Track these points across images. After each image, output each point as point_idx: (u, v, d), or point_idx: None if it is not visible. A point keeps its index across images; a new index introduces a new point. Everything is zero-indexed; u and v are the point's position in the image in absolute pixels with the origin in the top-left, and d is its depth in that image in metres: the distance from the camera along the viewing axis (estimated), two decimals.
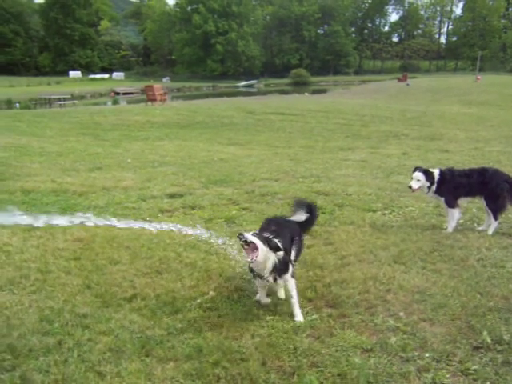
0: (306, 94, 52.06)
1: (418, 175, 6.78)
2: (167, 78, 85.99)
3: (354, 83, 77.64)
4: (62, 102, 36.46)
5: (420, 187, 6.85)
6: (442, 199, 6.97)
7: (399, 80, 66.45)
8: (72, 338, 4.14)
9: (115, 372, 3.68)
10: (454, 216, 6.88)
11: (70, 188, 9.46)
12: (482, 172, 6.88)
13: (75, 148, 14.86)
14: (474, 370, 3.71)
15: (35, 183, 9.74)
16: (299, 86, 74.96)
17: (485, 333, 4.15)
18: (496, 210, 6.78)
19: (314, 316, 4.54)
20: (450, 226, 6.90)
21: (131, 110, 27.57)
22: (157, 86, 35.12)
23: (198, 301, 4.81)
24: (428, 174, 6.79)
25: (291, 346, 4.03)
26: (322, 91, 59.56)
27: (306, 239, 6.61)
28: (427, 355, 3.91)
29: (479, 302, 4.74)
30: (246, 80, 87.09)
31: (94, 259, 5.92)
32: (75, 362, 3.79)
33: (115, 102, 44.16)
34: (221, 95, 51.66)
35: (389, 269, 5.57)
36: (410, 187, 6.86)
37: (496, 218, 6.82)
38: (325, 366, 3.77)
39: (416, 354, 3.93)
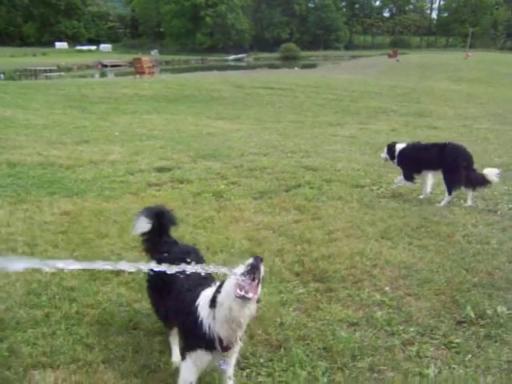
0: (296, 68, 51.67)
1: (385, 149, 7.87)
2: (155, 50, 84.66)
3: (344, 58, 77.11)
4: (48, 74, 35.85)
5: (386, 158, 7.84)
6: (402, 172, 7.62)
7: (389, 56, 65.99)
8: (60, 311, 4.14)
9: (103, 344, 3.70)
10: (405, 183, 7.67)
11: (57, 161, 9.35)
12: (442, 147, 7.26)
13: (62, 121, 14.66)
14: (457, 343, 3.78)
15: (21, 156, 9.61)
16: (289, 60, 74.33)
17: (468, 307, 4.22)
18: (451, 184, 7.15)
19: (301, 290, 4.57)
20: (395, 183, 7.81)
21: (119, 82, 27.18)
22: (145, 58, 34.56)
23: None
24: (389, 149, 7.72)
25: (278, 320, 4.06)
26: (312, 66, 59.16)
27: (294, 214, 6.65)
28: (412, 329, 3.97)
29: (464, 277, 4.81)
30: (236, 54, 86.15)
31: (82, 233, 5.89)
32: (63, 335, 3.80)
33: (103, 75, 43.46)
34: (210, 69, 51.06)
35: (376, 244, 5.62)
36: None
37: (450, 193, 7.19)
38: (311, 339, 3.81)
39: (401, 328, 3.99)
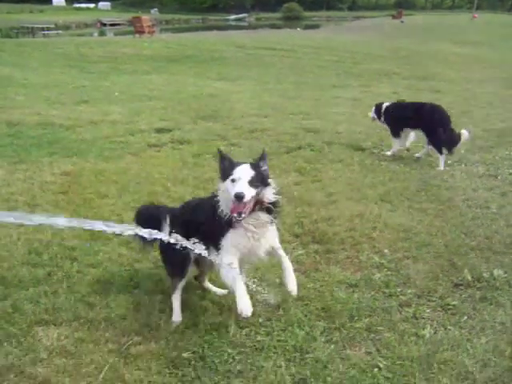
0: (298, 29, 50.74)
1: (373, 109, 8.14)
2: (155, 9, 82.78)
3: (348, 19, 75.70)
4: (46, 32, 35.26)
5: (374, 117, 8.14)
6: (389, 129, 7.95)
7: (394, 17, 64.78)
8: (61, 270, 4.18)
9: (104, 303, 3.74)
10: (395, 144, 7.86)
11: (57, 121, 9.30)
12: (421, 107, 7.55)
13: (61, 80, 14.49)
14: (454, 305, 3.83)
15: (20, 116, 9.55)
16: (291, 20, 72.82)
17: (466, 270, 4.26)
18: (435, 144, 7.35)
19: (301, 252, 4.61)
20: (392, 150, 7.87)
21: (118, 42, 26.77)
22: (145, 17, 33.93)
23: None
24: (377, 108, 8.05)
25: (277, 281, 4.10)
26: (315, 27, 58.13)
27: (295, 176, 6.65)
28: (409, 291, 4.01)
29: (462, 241, 4.84)
30: (237, 13, 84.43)
31: (82, 193, 5.90)
32: (65, 293, 3.84)
33: (102, 34, 42.78)
34: (210, 28, 50.18)
35: (375, 207, 5.63)
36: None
37: (440, 153, 7.29)
38: (310, 299, 3.85)
39: (399, 289, 4.03)
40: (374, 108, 8.16)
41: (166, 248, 3.50)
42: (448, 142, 7.21)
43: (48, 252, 4.46)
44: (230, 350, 3.25)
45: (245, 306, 3.05)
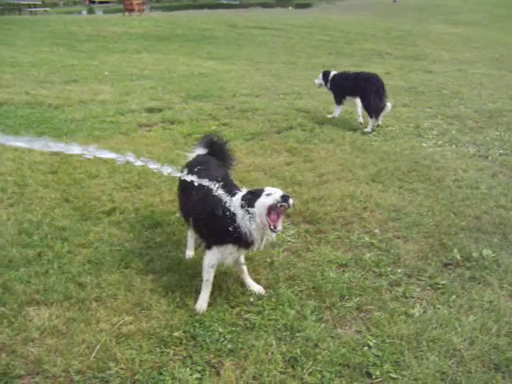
0: (290, 8, 50.17)
1: (320, 75, 8.85)
2: None
3: None
4: (33, 9, 34.42)
5: (320, 84, 8.86)
6: (333, 96, 8.71)
7: None
8: (52, 250, 4.17)
9: (95, 283, 3.74)
10: (337, 109, 8.74)
11: (46, 100, 9.19)
12: (357, 76, 8.28)
13: (49, 59, 14.28)
14: (443, 284, 3.88)
15: (8, 95, 9.42)
16: None
17: (455, 250, 4.30)
18: (367, 109, 8.08)
19: (292, 231, 4.62)
20: (333, 114, 8.77)
21: (108, 20, 26.34)
22: None
23: (177, 215, 4.84)
24: (324, 75, 8.73)
25: (268, 260, 4.12)
26: (307, 6, 57.40)
27: (286, 156, 6.65)
28: (399, 270, 4.05)
29: (452, 221, 4.88)
30: None
31: (72, 173, 5.86)
32: (56, 274, 3.84)
33: (90, 11, 42.09)
34: (201, 7, 49.45)
35: (366, 187, 5.65)
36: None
37: (370, 116, 8.11)
38: (301, 279, 3.88)
39: (389, 269, 4.07)
40: (321, 74, 8.82)
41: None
42: (377, 111, 8.00)
43: (38, 232, 4.45)
44: (221, 329, 3.27)
45: (203, 305, 3.51)
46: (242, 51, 18.14)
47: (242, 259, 3.76)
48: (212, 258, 3.53)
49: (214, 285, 3.74)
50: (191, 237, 4.16)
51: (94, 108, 8.91)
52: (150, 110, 8.90)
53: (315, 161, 6.48)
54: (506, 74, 14.13)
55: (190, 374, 2.91)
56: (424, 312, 3.52)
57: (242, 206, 3.32)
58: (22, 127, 7.53)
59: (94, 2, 53.45)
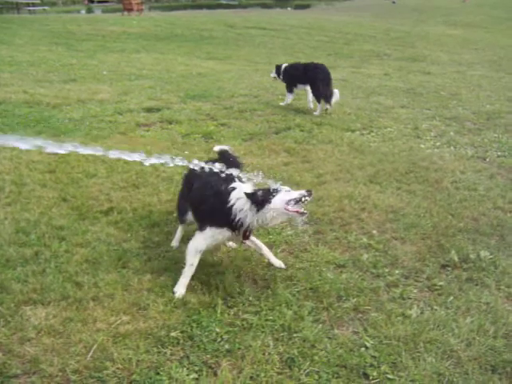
0: (289, 8, 50.18)
1: (274, 69, 9.69)
2: None
3: None
4: (32, 8, 34.30)
5: (274, 77, 9.73)
6: (286, 86, 9.55)
7: None
8: (49, 250, 4.16)
9: (92, 282, 3.74)
10: (289, 97, 9.65)
11: (44, 100, 9.18)
12: (306, 66, 9.10)
13: (48, 58, 14.26)
14: (440, 285, 3.88)
15: (6, 94, 9.40)
16: (281, 0, 72.08)
17: (453, 252, 4.31)
18: (315, 96, 9.03)
19: (289, 232, 4.62)
20: (285, 102, 9.65)
21: (106, 19, 26.33)
22: None
23: (175, 215, 4.83)
24: (277, 68, 9.58)
25: (266, 260, 4.12)
26: (306, 6, 57.47)
27: (284, 156, 6.65)
28: (397, 272, 4.05)
29: (450, 222, 4.88)
30: None
31: (70, 172, 5.86)
32: (53, 273, 3.83)
33: (89, 11, 42.04)
34: (200, 7, 49.48)
35: (364, 188, 5.65)
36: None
37: (318, 102, 9.04)
38: (298, 280, 3.88)
39: (386, 270, 4.07)
40: (275, 68, 9.69)
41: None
42: (325, 97, 8.85)
43: (36, 231, 4.44)
44: (218, 330, 3.27)
45: (181, 290, 3.63)
46: (241, 51, 18.14)
47: (257, 242, 3.96)
48: (201, 242, 3.66)
49: (211, 284, 3.74)
50: (180, 231, 4.34)
51: (92, 107, 8.89)
52: (149, 110, 8.90)
53: (313, 161, 6.48)
54: (504, 76, 14.16)
55: (187, 374, 2.90)
56: (421, 313, 3.52)
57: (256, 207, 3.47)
58: (20, 126, 7.52)
59: (92, 2, 53.36)
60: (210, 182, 3.74)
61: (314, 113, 9.09)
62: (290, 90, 9.56)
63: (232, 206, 3.52)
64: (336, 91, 8.85)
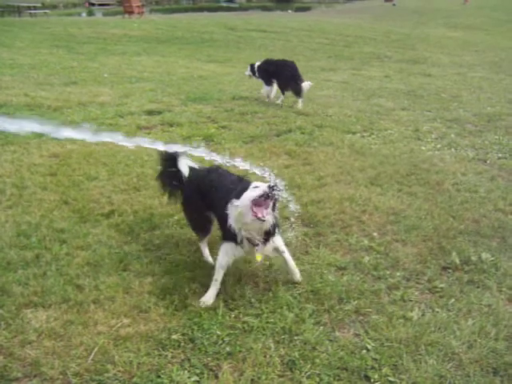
0: (290, 11, 50.26)
1: (248, 68, 10.36)
2: None
3: (339, 1, 74.98)
4: (33, 11, 34.38)
5: (250, 75, 10.33)
6: (263, 81, 10.10)
7: (386, 0, 64.20)
8: (50, 253, 4.16)
9: (93, 285, 3.74)
10: (267, 91, 10.13)
11: (45, 102, 9.19)
12: (276, 63, 9.87)
13: (48, 61, 14.28)
14: (441, 288, 3.87)
15: (7, 96, 9.42)
16: (282, 2, 71.83)
17: (454, 254, 4.30)
18: (281, 88, 9.86)
19: (290, 234, 4.61)
20: (269, 98, 10.18)
21: (107, 22, 26.40)
22: None
23: (176, 217, 4.84)
24: (251, 67, 10.22)
25: (267, 263, 4.12)
26: (306, 9, 57.55)
27: (285, 159, 6.65)
28: (398, 274, 4.04)
29: (451, 224, 4.87)
30: None
31: (71, 175, 5.86)
32: (54, 276, 3.83)
33: (90, 14, 42.12)
34: (201, 10, 49.55)
35: (365, 190, 5.65)
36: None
37: (283, 93, 9.89)
38: (299, 282, 3.87)
39: (387, 272, 4.06)
40: (249, 67, 10.32)
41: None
42: (295, 91, 9.57)
43: (36, 234, 4.44)
44: (219, 332, 3.27)
45: (207, 301, 3.58)
46: (242, 54, 18.16)
47: (282, 248, 3.82)
48: (223, 258, 3.63)
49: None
50: (205, 246, 4.22)
51: (93, 110, 8.90)
52: (150, 113, 8.91)
53: (314, 164, 6.48)
54: (504, 78, 14.15)
55: (188, 377, 2.90)
56: (422, 315, 3.51)
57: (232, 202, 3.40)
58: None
59: (93, 5, 53.39)
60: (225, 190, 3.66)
61: (277, 102, 10.02)
62: (268, 83, 10.04)
63: (229, 218, 3.47)
64: (306, 83, 9.53)
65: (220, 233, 3.88)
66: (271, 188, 3.17)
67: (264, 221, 3.26)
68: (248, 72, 10.38)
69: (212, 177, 3.96)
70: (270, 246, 3.62)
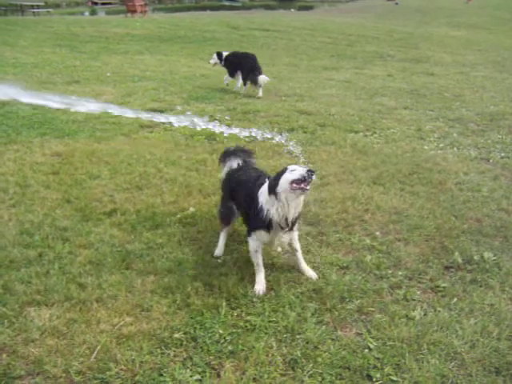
0: (292, 10, 50.22)
1: (214, 56, 11.12)
2: None
3: (342, 0, 74.87)
4: (36, 10, 34.36)
5: (215, 63, 11.13)
6: (227, 71, 11.05)
7: None
8: (53, 251, 4.17)
9: (96, 284, 3.74)
10: (228, 81, 11.20)
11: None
12: (239, 55, 10.87)
13: (51, 60, 14.31)
14: (444, 287, 3.87)
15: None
16: (285, 1, 71.82)
17: (456, 253, 4.29)
18: (244, 78, 10.71)
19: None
20: (236, 86, 11.06)
21: (110, 21, 26.39)
22: None
23: (178, 216, 4.85)
24: (219, 55, 11.01)
25: (269, 262, 4.12)
26: (309, 8, 57.48)
27: (288, 157, 6.65)
28: (400, 273, 4.04)
29: (453, 224, 4.87)
30: None
31: (74, 174, 5.87)
32: (56, 274, 3.84)
33: (93, 13, 42.11)
34: (204, 8, 49.52)
35: (368, 189, 5.64)
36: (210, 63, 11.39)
37: (245, 84, 10.75)
38: (301, 281, 3.88)
39: (390, 272, 4.06)
40: (215, 55, 11.10)
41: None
42: (253, 81, 10.43)
43: (39, 233, 4.45)
44: (221, 331, 3.27)
45: (259, 288, 3.73)
46: None
47: (297, 246, 3.98)
48: (253, 244, 3.82)
49: (214, 286, 3.75)
50: (224, 237, 4.32)
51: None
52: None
53: (316, 163, 6.48)
54: (508, 77, 14.12)
55: (191, 376, 2.91)
56: (425, 315, 3.51)
57: (269, 189, 3.60)
58: (24, 128, 7.55)
59: (96, 4, 53.37)
60: (248, 187, 3.94)
61: (240, 91, 10.85)
62: (231, 74, 11.03)
63: (260, 204, 3.68)
64: (262, 77, 10.42)
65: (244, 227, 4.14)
66: (310, 172, 3.42)
67: (307, 190, 3.45)
68: (214, 59, 11.16)
69: (239, 173, 4.21)
70: (291, 235, 3.86)
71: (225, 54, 11.00)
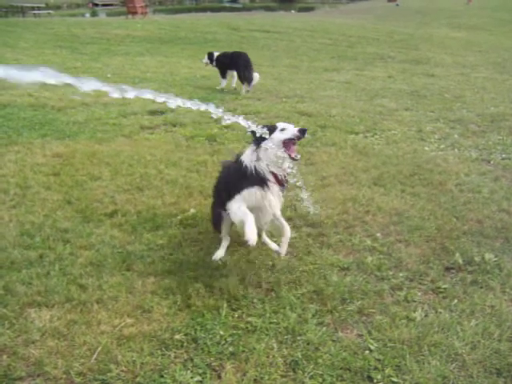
0: (293, 11, 50.26)
1: (206, 56, 11.48)
2: None
3: (342, 2, 74.89)
4: (37, 12, 34.44)
5: (207, 63, 11.49)
6: (219, 71, 11.33)
7: (389, 0, 64.12)
8: (53, 252, 4.17)
9: (97, 285, 3.74)
10: (223, 82, 11.41)
11: (48, 103, 9.23)
12: (232, 54, 11.13)
13: (52, 61, 14.32)
14: (445, 288, 3.86)
15: (11, 97, 9.45)
16: (285, 3, 71.77)
17: (457, 254, 4.29)
18: (240, 77, 10.93)
19: (293, 235, 4.60)
20: (221, 86, 11.42)
21: (111, 22, 26.44)
22: None
23: (179, 217, 4.85)
24: (209, 55, 11.37)
25: (270, 263, 4.12)
26: (309, 9, 57.52)
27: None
28: (401, 274, 4.04)
29: (454, 225, 4.86)
30: None
31: (74, 175, 5.88)
32: (57, 275, 3.84)
33: (94, 14, 42.21)
34: (204, 10, 49.62)
35: (368, 191, 5.64)
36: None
37: (242, 83, 10.97)
38: (302, 282, 3.87)
39: (391, 273, 4.06)
40: (206, 56, 11.45)
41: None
42: (247, 80, 10.78)
43: (40, 234, 4.45)
44: (222, 332, 3.27)
45: (252, 236, 3.51)
46: None
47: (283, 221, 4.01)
48: (235, 204, 3.69)
49: (215, 287, 3.74)
50: (226, 239, 4.30)
51: (96, 110, 8.93)
52: (153, 113, 8.92)
53: (317, 164, 6.48)
54: (508, 79, 14.12)
55: (191, 377, 2.90)
56: (426, 316, 3.51)
57: (255, 146, 3.63)
58: (25, 129, 7.56)
59: (97, 5, 53.47)
60: (227, 168, 4.04)
61: (241, 92, 10.93)
62: (222, 75, 11.31)
63: (245, 164, 3.65)
64: (256, 75, 10.85)
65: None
66: (302, 131, 3.46)
67: (297, 160, 3.51)
68: (206, 60, 11.49)
69: (221, 173, 4.25)
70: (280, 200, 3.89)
71: (216, 54, 11.28)
